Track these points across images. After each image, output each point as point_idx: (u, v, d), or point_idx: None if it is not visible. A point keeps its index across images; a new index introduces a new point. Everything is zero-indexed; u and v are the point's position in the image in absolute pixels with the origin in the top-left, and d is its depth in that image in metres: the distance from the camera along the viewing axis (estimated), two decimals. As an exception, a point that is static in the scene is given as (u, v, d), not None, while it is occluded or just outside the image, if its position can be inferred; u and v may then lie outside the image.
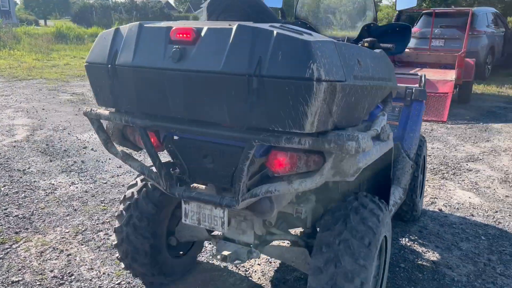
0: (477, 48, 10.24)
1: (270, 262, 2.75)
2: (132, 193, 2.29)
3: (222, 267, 2.70)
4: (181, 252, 2.55)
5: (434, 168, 4.54)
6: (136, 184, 2.33)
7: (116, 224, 2.30)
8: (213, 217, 1.88)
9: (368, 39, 2.61)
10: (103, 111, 1.90)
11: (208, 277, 2.59)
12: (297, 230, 2.84)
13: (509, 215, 3.46)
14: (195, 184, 2.03)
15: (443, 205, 3.65)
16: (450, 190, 3.98)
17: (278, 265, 2.72)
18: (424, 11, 11.47)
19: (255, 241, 2.12)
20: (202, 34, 1.54)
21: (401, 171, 2.93)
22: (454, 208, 3.59)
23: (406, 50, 11.06)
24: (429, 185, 4.06)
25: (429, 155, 4.98)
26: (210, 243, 2.95)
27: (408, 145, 2.95)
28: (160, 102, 1.64)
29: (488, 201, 3.74)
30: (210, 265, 2.72)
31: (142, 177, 2.35)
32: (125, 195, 2.31)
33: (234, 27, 1.49)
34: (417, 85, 3.16)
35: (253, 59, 1.44)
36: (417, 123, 2.97)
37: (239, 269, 2.68)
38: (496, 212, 3.52)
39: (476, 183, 4.14)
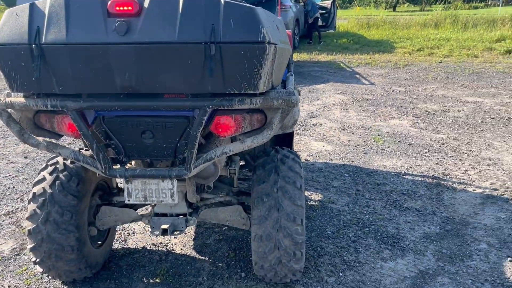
0: (286, 20, 11.49)
1: (185, 233, 2.83)
2: (43, 188, 2.08)
3: (140, 248, 2.67)
4: (99, 242, 2.44)
5: (287, 127, 5.13)
6: (44, 178, 2.12)
7: (29, 225, 2.07)
8: (161, 191, 1.89)
9: None
10: (16, 99, 1.70)
11: (131, 261, 2.54)
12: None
13: (357, 155, 4.22)
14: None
15: (307, 155, 4.22)
16: (307, 142, 4.60)
17: (194, 234, 2.82)
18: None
19: (188, 209, 2.20)
20: (146, 5, 1.53)
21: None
22: (316, 156, 4.20)
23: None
24: (289, 142, 4.60)
25: (279, 117, 5.58)
26: (119, 229, 2.86)
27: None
28: (103, 79, 1.57)
29: (338, 146, 4.47)
30: (128, 250, 2.66)
31: (48, 170, 2.15)
32: (34, 193, 2.09)
33: None
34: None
35: (207, 27, 1.51)
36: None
37: (158, 246, 2.69)
38: (347, 154, 4.25)
39: (324, 134, 4.87)
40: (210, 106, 1.64)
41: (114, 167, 1.86)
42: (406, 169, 3.84)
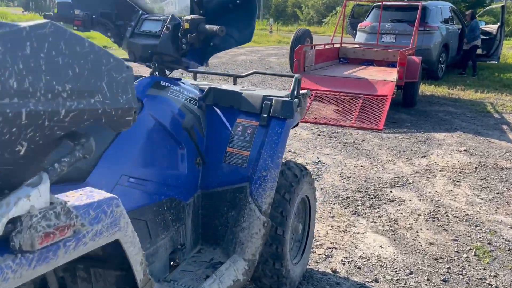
0: (429, 45, 9.37)
1: None
2: None
3: None
4: None
5: (348, 197, 3.49)
6: None
7: None
8: None
9: (190, 16, 1.68)
10: None
11: None
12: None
13: (428, 280, 2.43)
14: None
15: (341, 260, 2.59)
16: (358, 233, 2.93)
17: None
18: (374, 4, 10.53)
19: None
20: None
21: (246, 232, 1.82)
22: (355, 266, 2.54)
23: (355, 45, 10.12)
24: (332, 225, 3.00)
25: (349, 177, 3.94)
26: None
27: (261, 189, 1.84)
28: None
29: (404, 252, 2.71)
30: None
31: None
32: None
33: None
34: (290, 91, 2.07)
35: None
36: (275, 153, 1.87)
37: None
38: (411, 273, 2.49)
39: (396, 222, 3.11)
40: None
41: None
42: None
